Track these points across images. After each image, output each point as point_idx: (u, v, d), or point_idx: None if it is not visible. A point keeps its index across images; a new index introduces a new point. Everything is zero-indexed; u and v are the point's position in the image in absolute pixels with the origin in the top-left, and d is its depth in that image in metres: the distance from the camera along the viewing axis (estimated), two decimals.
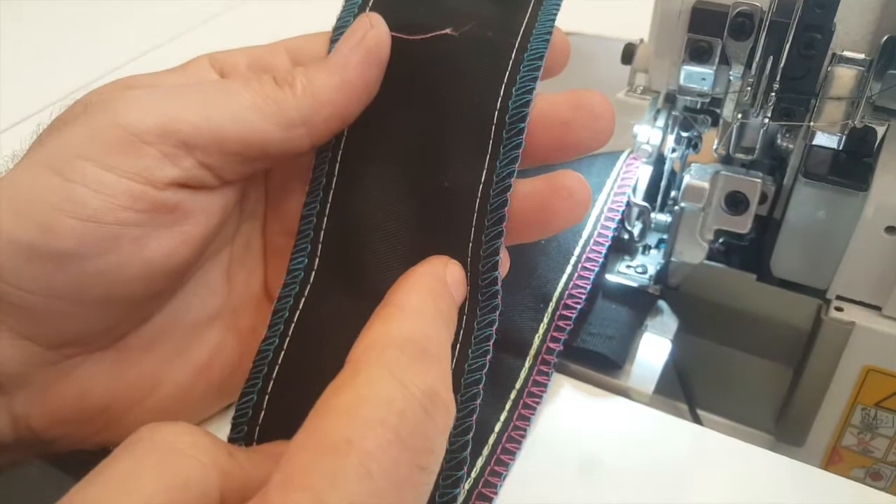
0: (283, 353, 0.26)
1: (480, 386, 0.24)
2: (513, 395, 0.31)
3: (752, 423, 0.45)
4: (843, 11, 0.32)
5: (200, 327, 0.28)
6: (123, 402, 0.26)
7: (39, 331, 0.23)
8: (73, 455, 0.27)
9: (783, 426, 0.43)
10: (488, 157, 0.26)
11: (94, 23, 0.67)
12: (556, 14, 0.28)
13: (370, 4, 0.28)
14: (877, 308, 0.38)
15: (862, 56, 0.32)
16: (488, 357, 0.25)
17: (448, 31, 0.27)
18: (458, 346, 0.25)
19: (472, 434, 0.23)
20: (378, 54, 0.26)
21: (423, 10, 0.28)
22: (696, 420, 0.43)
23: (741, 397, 0.45)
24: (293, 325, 0.26)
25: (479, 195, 0.26)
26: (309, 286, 0.26)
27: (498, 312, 0.25)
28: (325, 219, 0.27)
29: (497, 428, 0.29)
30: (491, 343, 0.25)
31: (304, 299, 0.26)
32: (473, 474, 0.28)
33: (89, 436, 0.26)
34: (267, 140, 0.25)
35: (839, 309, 0.38)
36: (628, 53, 0.38)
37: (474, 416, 0.24)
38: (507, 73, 0.26)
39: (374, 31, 0.26)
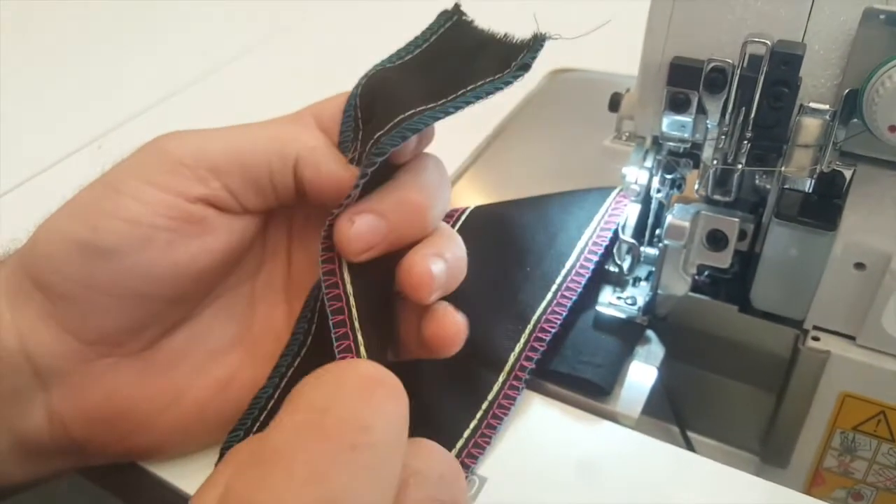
0: (272, 401, 0.30)
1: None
2: (484, 406, 0.34)
3: (740, 445, 0.47)
4: (809, 66, 0.34)
5: (222, 351, 0.31)
6: (146, 409, 0.30)
7: (80, 324, 0.28)
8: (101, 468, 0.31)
9: (768, 449, 0.45)
10: None
11: (115, 69, 0.71)
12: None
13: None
14: (851, 338, 0.40)
15: (827, 107, 0.35)
16: None
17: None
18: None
19: None
20: None
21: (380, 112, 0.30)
22: (687, 442, 0.45)
23: (728, 421, 0.47)
24: (285, 379, 0.31)
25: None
26: (305, 349, 0.31)
27: None
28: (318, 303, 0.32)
29: (466, 434, 0.33)
30: None
31: (298, 359, 0.31)
32: None
33: (116, 440, 0.29)
34: (273, 168, 0.29)
35: (816, 338, 0.41)
36: (615, 102, 0.41)
37: None
38: None
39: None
